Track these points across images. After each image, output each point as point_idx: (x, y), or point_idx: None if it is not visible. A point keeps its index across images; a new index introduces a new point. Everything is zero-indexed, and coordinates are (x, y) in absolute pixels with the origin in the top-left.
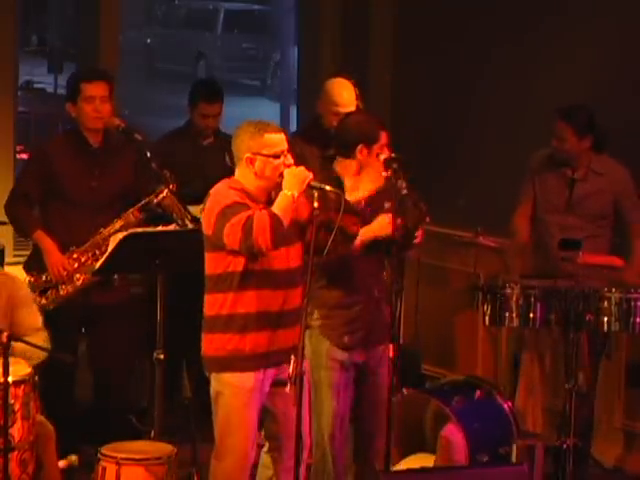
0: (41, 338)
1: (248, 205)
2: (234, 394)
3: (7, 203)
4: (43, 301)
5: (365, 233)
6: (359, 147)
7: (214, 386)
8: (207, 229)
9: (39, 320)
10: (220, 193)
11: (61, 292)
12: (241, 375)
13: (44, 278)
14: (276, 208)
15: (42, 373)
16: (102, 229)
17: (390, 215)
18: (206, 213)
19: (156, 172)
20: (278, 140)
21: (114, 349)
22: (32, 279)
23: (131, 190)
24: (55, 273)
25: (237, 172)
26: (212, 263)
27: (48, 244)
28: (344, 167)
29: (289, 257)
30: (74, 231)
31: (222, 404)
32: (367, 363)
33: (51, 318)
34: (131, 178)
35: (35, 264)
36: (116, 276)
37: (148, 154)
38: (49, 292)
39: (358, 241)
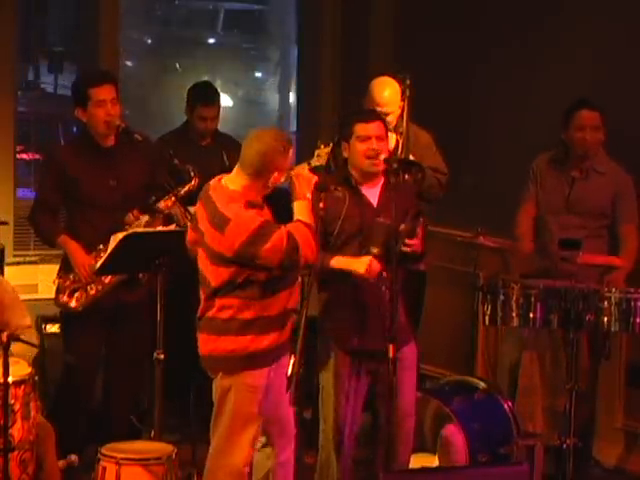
0: (32, 336)
1: (270, 221)
2: (247, 392)
3: (30, 214)
4: (73, 303)
5: (340, 264)
6: (342, 145)
7: (223, 384)
8: (222, 249)
9: (28, 318)
10: (241, 216)
11: (90, 292)
12: (254, 373)
13: (72, 279)
14: (301, 216)
15: (43, 373)
16: (127, 226)
17: (371, 260)
18: (227, 239)
19: (179, 168)
20: (292, 151)
21: (134, 347)
22: (60, 281)
23: (150, 187)
24: (82, 273)
25: (243, 180)
26: (223, 274)
27: (72, 246)
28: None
29: None
30: (98, 232)
31: (231, 402)
32: (378, 368)
33: (79, 319)
34: (149, 175)
35: (65, 267)
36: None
37: (171, 151)
38: (77, 293)
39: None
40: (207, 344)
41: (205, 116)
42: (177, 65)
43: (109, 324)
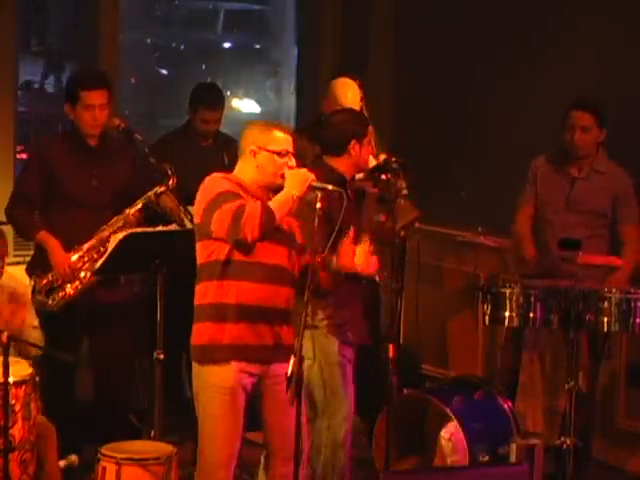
0: (37, 336)
1: (241, 195)
2: (213, 392)
3: (8, 207)
4: (50, 302)
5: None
6: (352, 143)
7: (196, 380)
8: (196, 217)
9: (35, 319)
10: (213, 181)
11: (68, 291)
12: (217, 370)
13: (50, 278)
14: (272, 203)
15: (43, 373)
16: (104, 227)
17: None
18: (197, 202)
19: (156, 167)
20: (284, 139)
21: (118, 348)
22: (37, 280)
23: (132, 188)
24: (61, 272)
25: (239, 165)
26: (200, 252)
27: (53, 244)
28: (338, 165)
29: (276, 254)
30: (77, 231)
31: (201, 402)
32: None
33: (55, 318)
34: (131, 176)
35: (38, 266)
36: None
37: (146, 149)
38: (55, 292)
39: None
40: (192, 334)
41: (208, 119)
42: (203, 66)
43: (87, 325)
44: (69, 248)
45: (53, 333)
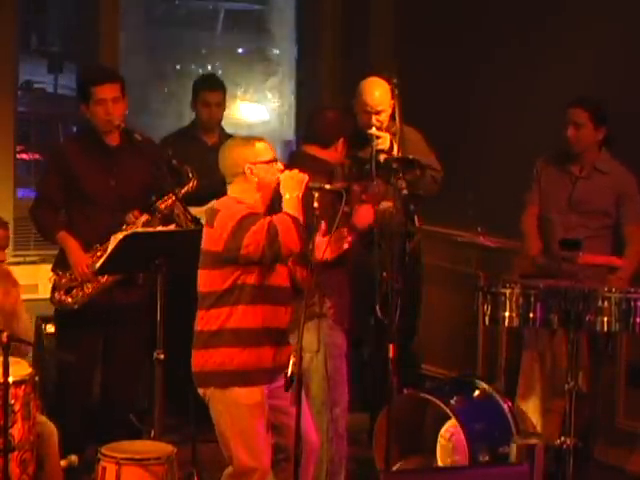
0: (27, 319)
1: (257, 213)
2: (244, 411)
3: (31, 208)
4: (69, 300)
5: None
6: (340, 141)
7: (217, 404)
8: (215, 246)
9: (22, 303)
10: (230, 208)
11: (86, 290)
12: (247, 390)
13: (69, 277)
14: (289, 210)
15: (61, 374)
16: (124, 226)
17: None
18: (216, 230)
19: (177, 169)
20: (267, 147)
21: (132, 349)
22: (57, 278)
23: (153, 189)
24: (79, 272)
25: (233, 189)
26: (216, 279)
27: (71, 244)
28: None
29: (284, 274)
30: (97, 230)
31: (230, 422)
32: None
33: (72, 317)
34: (150, 177)
35: (62, 264)
36: (141, 274)
37: (170, 152)
38: (74, 291)
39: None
40: (197, 359)
41: (209, 101)
42: (220, 72)
43: (105, 324)
44: (89, 248)
45: (70, 332)
